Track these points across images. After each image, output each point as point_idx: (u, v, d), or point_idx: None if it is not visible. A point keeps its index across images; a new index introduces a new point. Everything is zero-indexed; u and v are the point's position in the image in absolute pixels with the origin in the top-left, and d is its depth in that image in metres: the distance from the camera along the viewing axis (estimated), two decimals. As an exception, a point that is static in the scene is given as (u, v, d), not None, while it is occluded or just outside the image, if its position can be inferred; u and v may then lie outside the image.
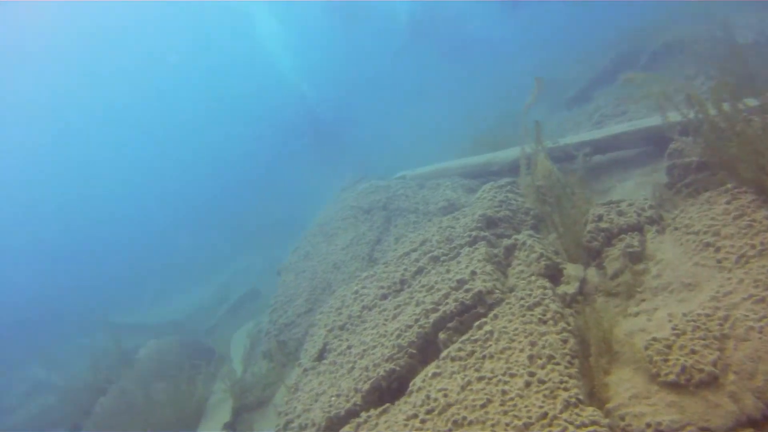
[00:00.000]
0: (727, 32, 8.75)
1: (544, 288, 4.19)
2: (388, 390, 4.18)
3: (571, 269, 4.64)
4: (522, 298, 4.14)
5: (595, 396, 3.27)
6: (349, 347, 5.00)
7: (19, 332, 20.33)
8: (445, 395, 3.55)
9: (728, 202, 4.22)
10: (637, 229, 4.72)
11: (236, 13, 33.62)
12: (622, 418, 2.98)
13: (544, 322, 3.79)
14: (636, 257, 4.36)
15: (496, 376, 3.49)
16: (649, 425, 2.84)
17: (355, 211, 8.98)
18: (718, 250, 3.85)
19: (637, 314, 3.79)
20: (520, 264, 4.85)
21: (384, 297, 5.40)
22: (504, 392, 3.31)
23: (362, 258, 7.61)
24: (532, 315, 3.90)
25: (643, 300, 3.92)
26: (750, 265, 3.58)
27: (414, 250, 5.88)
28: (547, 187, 5.42)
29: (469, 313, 4.31)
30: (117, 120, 42.18)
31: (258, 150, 29.11)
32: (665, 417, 2.85)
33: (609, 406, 3.11)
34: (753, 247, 3.67)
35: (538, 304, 4.00)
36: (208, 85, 40.84)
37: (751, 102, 4.75)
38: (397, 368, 4.20)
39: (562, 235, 5.10)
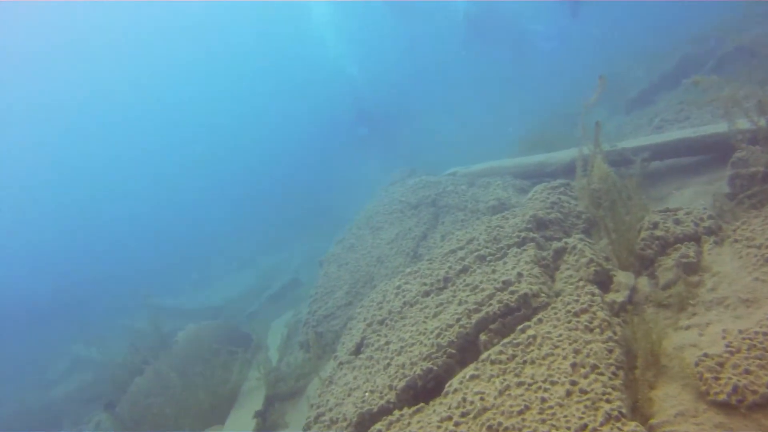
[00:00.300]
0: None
1: (593, 294, 4.04)
2: (424, 389, 4.10)
3: (622, 277, 4.46)
4: (568, 304, 4.00)
5: (638, 410, 3.13)
6: (387, 343, 4.93)
7: (66, 311, 20.97)
8: (482, 399, 3.45)
9: (795, 216, 4.01)
10: (694, 239, 4.51)
11: (294, 6, 33.91)
12: (666, 436, 2.84)
13: (591, 330, 3.65)
14: (691, 268, 4.17)
15: (537, 382, 3.37)
16: (695, 445, 2.70)
17: (402, 205, 8.91)
18: (781, 266, 3.65)
19: (688, 328, 3.62)
20: (568, 268, 4.71)
21: (426, 294, 5.31)
22: (543, 400, 3.19)
23: (406, 253, 7.54)
24: (578, 321, 3.76)
25: (696, 314, 3.74)
26: (815, 283, 3.38)
27: (460, 248, 5.77)
28: (602, 191, 5.24)
29: (513, 316, 4.19)
30: (174, 107, 43.18)
31: (312, 140, 29.32)
32: (713, 438, 2.70)
33: (653, 422, 2.97)
34: (819, 264, 3.47)
35: (585, 310, 3.85)
36: (266, 75, 41.49)
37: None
38: (435, 368, 4.11)
39: (614, 241, 4.92)
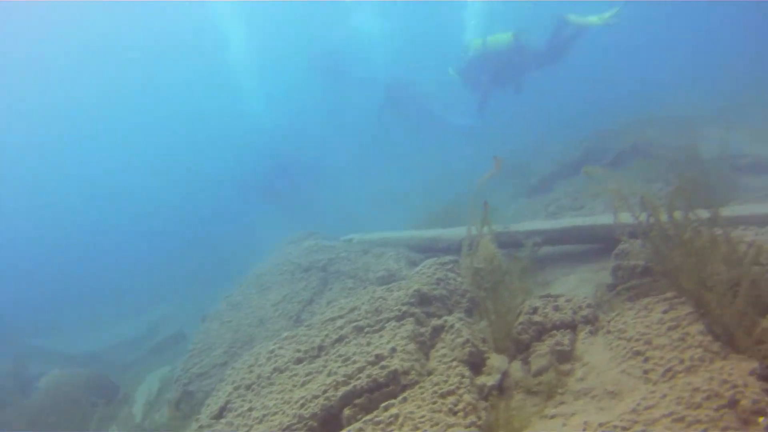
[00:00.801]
0: (693, 142, 8.87)
1: (462, 376, 3.91)
2: (278, 464, 3.82)
3: (496, 360, 4.37)
4: (437, 384, 3.85)
5: (491, 503, 2.97)
6: (250, 409, 4.63)
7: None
8: (332, 480, 3.22)
9: (665, 312, 4.02)
10: (571, 327, 4.48)
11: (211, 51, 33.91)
12: None
13: (454, 413, 3.50)
14: (564, 356, 4.12)
15: (391, 466, 3.17)
16: None
17: (294, 267, 8.71)
18: (646, 360, 3.62)
19: (553, 417, 3.52)
20: (444, 347, 4.57)
21: (299, 361, 5.06)
22: (394, 486, 2.99)
23: (290, 317, 7.31)
24: (443, 403, 3.61)
25: (563, 402, 3.65)
26: (676, 380, 3.34)
27: (341, 317, 5.57)
28: (486, 271, 5.18)
29: (381, 392, 3.99)
30: (80, 136, 41.70)
31: (220, 188, 28.75)
32: None
33: None
34: (682, 361, 3.45)
35: (452, 392, 3.71)
36: (175, 115, 40.95)
37: (704, 214, 4.61)
38: (292, 441, 3.85)
39: (493, 322, 4.84)
